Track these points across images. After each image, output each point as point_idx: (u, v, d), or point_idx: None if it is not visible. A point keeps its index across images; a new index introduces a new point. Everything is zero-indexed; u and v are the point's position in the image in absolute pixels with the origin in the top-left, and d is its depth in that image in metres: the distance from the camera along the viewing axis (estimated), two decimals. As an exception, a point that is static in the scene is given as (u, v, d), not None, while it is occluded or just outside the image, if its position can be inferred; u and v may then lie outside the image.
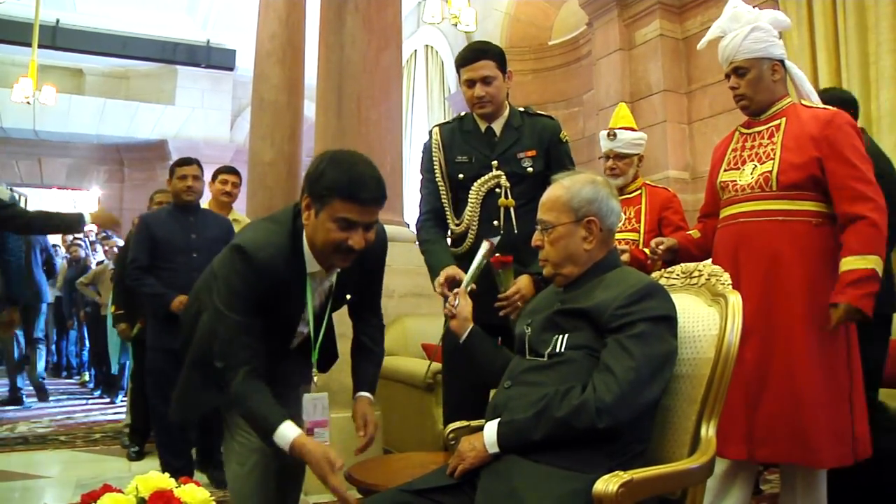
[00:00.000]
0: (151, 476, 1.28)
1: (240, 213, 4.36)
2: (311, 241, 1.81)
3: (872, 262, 2.13)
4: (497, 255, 2.27)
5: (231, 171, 4.28)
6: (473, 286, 2.12)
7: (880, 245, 2.16)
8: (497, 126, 2.51)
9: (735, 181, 2.38)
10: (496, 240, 2.18)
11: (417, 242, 2.63)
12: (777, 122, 2.34)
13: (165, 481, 1.27)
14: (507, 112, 2.52)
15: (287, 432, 1.69)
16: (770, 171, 2.28)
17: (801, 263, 2.22)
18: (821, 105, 2.37)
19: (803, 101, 2.38)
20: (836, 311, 2.12)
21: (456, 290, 2.03)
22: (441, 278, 2.25)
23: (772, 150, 2.31)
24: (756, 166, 2.33)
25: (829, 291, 2.17)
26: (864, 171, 2.22)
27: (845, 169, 2.20)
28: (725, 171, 2.44)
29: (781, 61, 2.37)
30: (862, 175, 2.20)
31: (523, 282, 2.32)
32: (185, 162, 3.76)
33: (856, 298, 2.10)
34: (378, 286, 2.15)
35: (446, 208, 2.53)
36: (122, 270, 4.29)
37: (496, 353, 1.93)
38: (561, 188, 1.75)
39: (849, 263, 2.15)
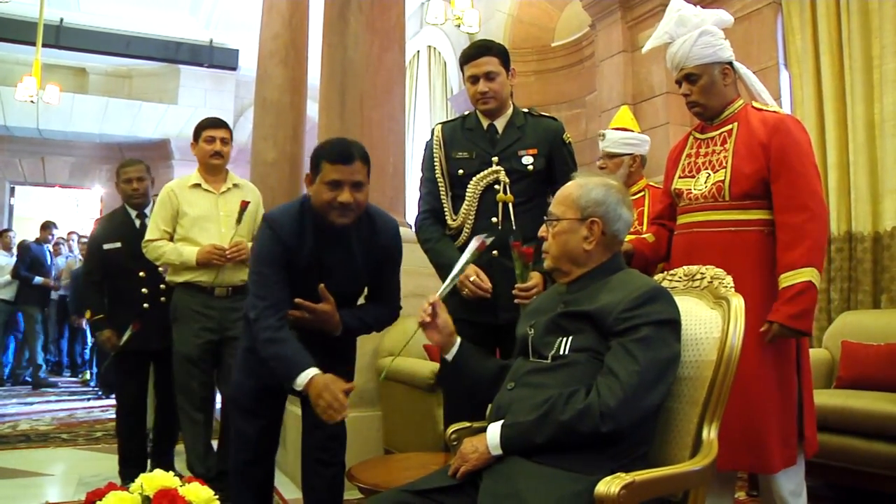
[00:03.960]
0: (156, 474, 1.29)
1: (239, 178, 3.56)
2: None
3: (807, 275, 2.13)
4: (521, 245, 2.30)
5: (217, 124, 3.47)
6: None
7: (815, 256, 2.17)
8: (500, 124, 2.53)
9: (689, 189, 2.39)
10: (489, 239, 2.07)
11: (419, 242, 2.63)
12: (729, 127, 2.35)
13: (170, 480, 1.27)
14: (510, 111, 2.55)
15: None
16: (722, 181, 2.29)
17: (751, 273, 2.22)
18: (771, 106, 2.37)
19: (754, 103, 2.38)
20: (771, 328, 2.14)
21: (432, 299, 1.89)
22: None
23: (724, 157, 2.31)
24: (710, 175, 2.33)
25: None
26: (809, 179, 2.22)
27: (789, 176, 2.21)
28: (680, 178, 2.45)
29: (730, 63, 2.37)
30: (804, 183, 2.21)
31: (538, 277, 2.33)
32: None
33: (788, 317, 2.12)
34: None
35: (445, 205, 2.55)
36: (92, 266, 3.70)
37: (486, 365, 1.87)
38: (575, 185, 1.77)
39: (785, 279, 2.16)
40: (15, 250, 8.59)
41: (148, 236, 3.34)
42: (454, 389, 2.37)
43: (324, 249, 2.21)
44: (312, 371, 1.97)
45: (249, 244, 3.20)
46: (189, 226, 3.30)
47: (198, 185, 3.39)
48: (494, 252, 2.40)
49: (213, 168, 3.41)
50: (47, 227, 8.80)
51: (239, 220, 3.29)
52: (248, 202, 3.34)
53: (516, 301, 2.32)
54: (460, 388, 2.01)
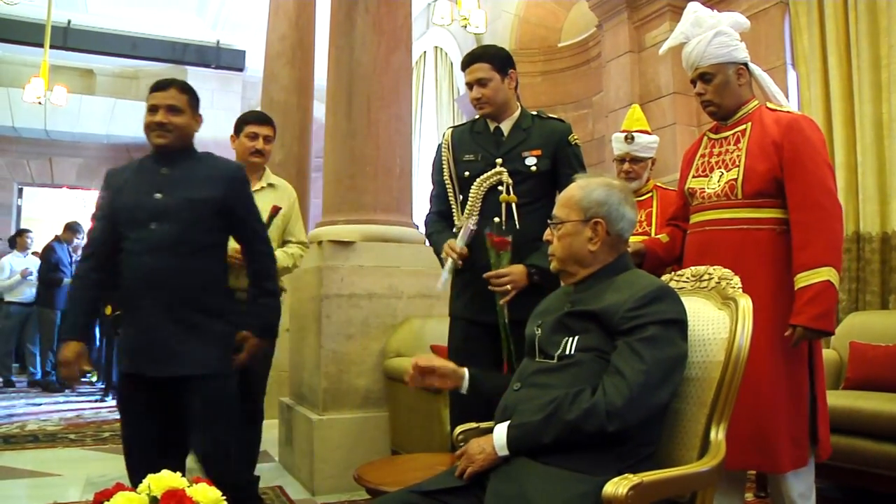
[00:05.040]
0: (164, 475, 1.29)
1: (275, 177, 3.41)
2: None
3: (825, 275, 2.13)
4: (495, 235, 2.38)
5: (262, 120, 3.30)
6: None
7: (832, 255, 2.16)
8: (505, 126, 2.57)
9: (703, 189, 2.39)
10: (474, 225, 2.44)
11: (425, 237, 2.75)
12: (743, 126, 2.35)
13: (178, 480, 1.28)
14: (517, 113, 2.58)
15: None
16: (735, 180, 2.29)
17: (764, 271, 2.22)
18: (786, 107, 2.38)
19: (769, 104, 2.38)
20: (795, 332, 2.13)
21: (415, 361, 1.90)
22: (445, 247, 2.47)
23: (737, 156, 2.32)
24: (723, 174, 2.34)
25: (792, 298, 2.18)
26: (822, 177, 2.21)
27: (802, 175, 2.21)
28: (694, 177, 2.46)
29: (746, 64, 2.38)
30: (818, 182, 2.20)
31: (517, 269, 2.39)
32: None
33: (812, 319, 2.11)
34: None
35: (453, 206, 2.60)
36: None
37: (498, 383, 1.89)
38: (576, 187, 1.77)
39: (802, 279, 2.15)
40: (30, 251, 8.58)
41: None
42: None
43: (152, 177, 2.34)
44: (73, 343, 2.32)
45: (278, 251, 3.03)
46: None
47: None
48: (488, 231, 2.46)
49: (251, 166, 3.11)
50: (73, 228, 8.65)
51: (267, 226, 2.89)
52: (279, 208, 3.12)
53: (489, 288, 2.39)
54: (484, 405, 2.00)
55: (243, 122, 3.20)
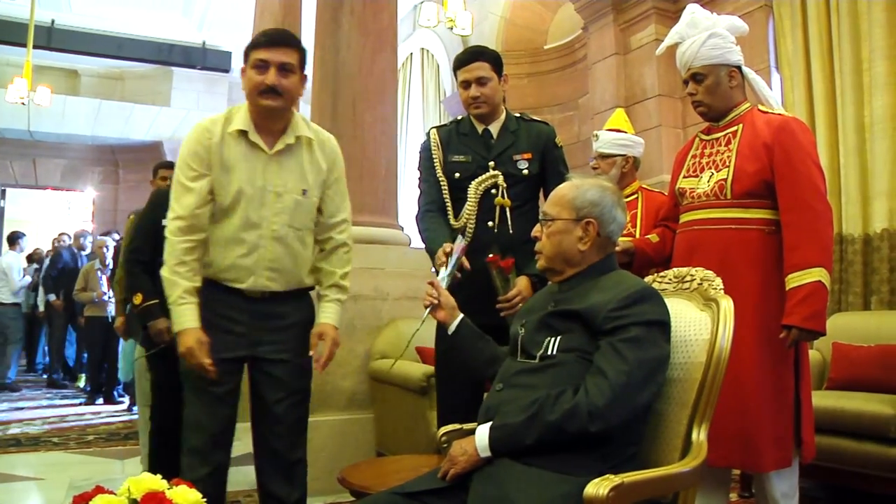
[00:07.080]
0: (144, 477, 1.28)
1: (310, 124, 2.35)
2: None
3: (816, 275, 2.14)
4: (500, 258, 2.33)
5: (274, 40, 2.15)
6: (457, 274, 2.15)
7: (823, 256, 2.18)
8: (494, 129, 2.57)
9: (693, 188, 2.41)
10: (464, 243, 2.18)
11: (419, 232, 2.63)
12: (734, 128, 2.37)
13: (157, 483, 1.27)
14: (503, 116, 2.59)
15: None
16: (725, 180, 2.30)
17: (751, 271, 2.24)
18: (777, 110, 2.39)
19: (760, 107, 2.40)
20: (790, 334, 2.14)
21: (433, 281, 2.03)
22: (440, 253, 2.29)
23: (728, 157, 2.33)
24: (713, 174, 2.36)
25: (779, 298, 2.20)
26: (812, 179, 2.23)
27: (793, 176, 2.22)
28: (685, 177, 2.47)
29: (739, 67, 2.39)
30: (808, 184, 2.22)
31: (523, 283, 2.37)
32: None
33: (804, 320, 2.12)
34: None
35: (447, 203, 2.57)
36: (140, 243, 3.11)
37: (484, 344, 1.94)
38: (570, 186, 1.77)
39: (793, 280, 2.16)
40: (22, 254, 8.58)
41: (170, 213, 2.12)
42: (454, 361, 2.33)
43: None
44: None
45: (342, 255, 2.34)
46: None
47: (243, 134, 2.12)
48: (491, 255, 2.42)
49: (266, 112, 2.12)
50: (80, 236, 8.68)
51: (448, 279, 2.13)
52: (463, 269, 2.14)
53: (502, 315, 2.34)
54: (458, 361, 2.07)
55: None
